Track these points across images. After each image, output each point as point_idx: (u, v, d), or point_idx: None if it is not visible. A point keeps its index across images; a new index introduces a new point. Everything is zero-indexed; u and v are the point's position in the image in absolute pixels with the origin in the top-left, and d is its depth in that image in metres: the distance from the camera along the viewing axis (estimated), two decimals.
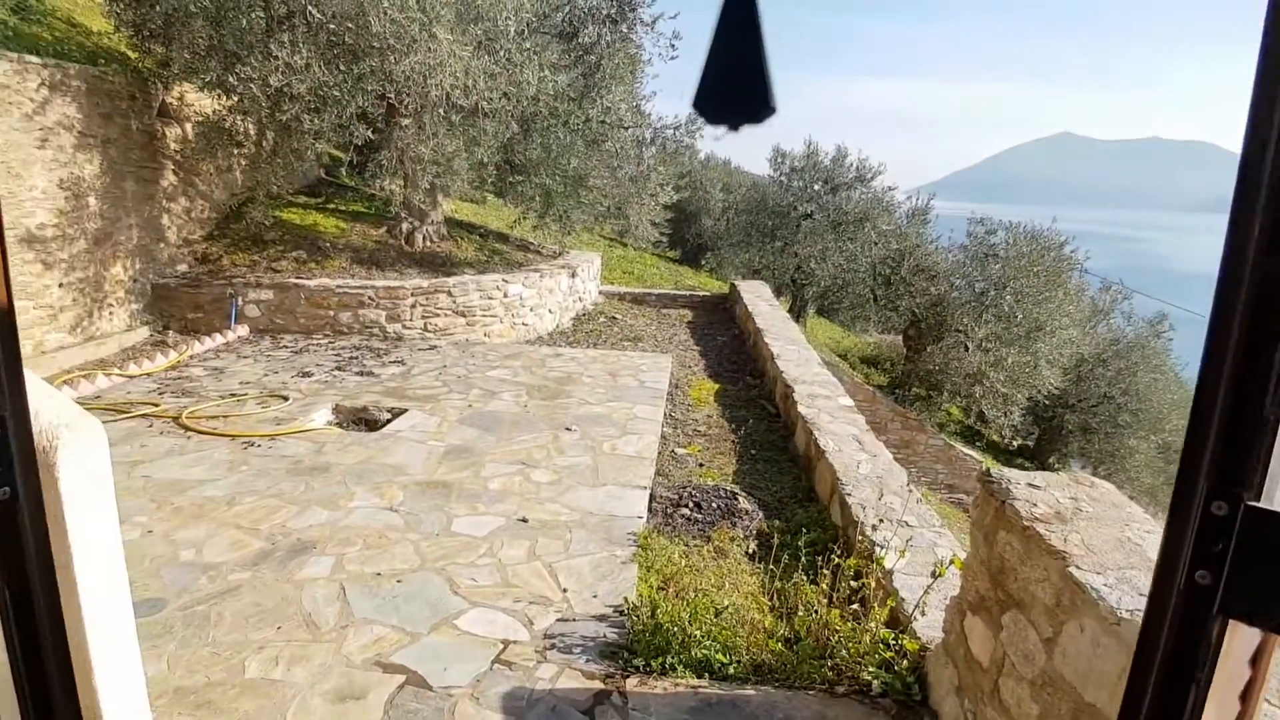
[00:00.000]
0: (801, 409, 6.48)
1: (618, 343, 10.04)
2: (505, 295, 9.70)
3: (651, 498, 5.04)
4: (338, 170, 13.55)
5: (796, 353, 8.58)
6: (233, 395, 6.53)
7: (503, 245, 12.07)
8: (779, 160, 20.51)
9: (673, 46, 10.65)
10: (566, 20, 9.85)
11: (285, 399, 6.46)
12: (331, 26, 8.00)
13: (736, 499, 5.17)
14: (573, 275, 11.20)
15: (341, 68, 7.66)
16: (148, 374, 7.19)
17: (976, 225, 18.18)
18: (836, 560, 3.74)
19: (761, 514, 5.10)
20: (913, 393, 18.01)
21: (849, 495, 4.78)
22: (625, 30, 10.24)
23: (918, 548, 4.15)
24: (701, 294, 13.80)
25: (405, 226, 10.62)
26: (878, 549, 4.19)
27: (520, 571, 3.90)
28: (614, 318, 11.46)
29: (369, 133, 8.19)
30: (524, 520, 4.45)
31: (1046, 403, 19.03)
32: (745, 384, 8.49)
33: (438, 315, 9.22)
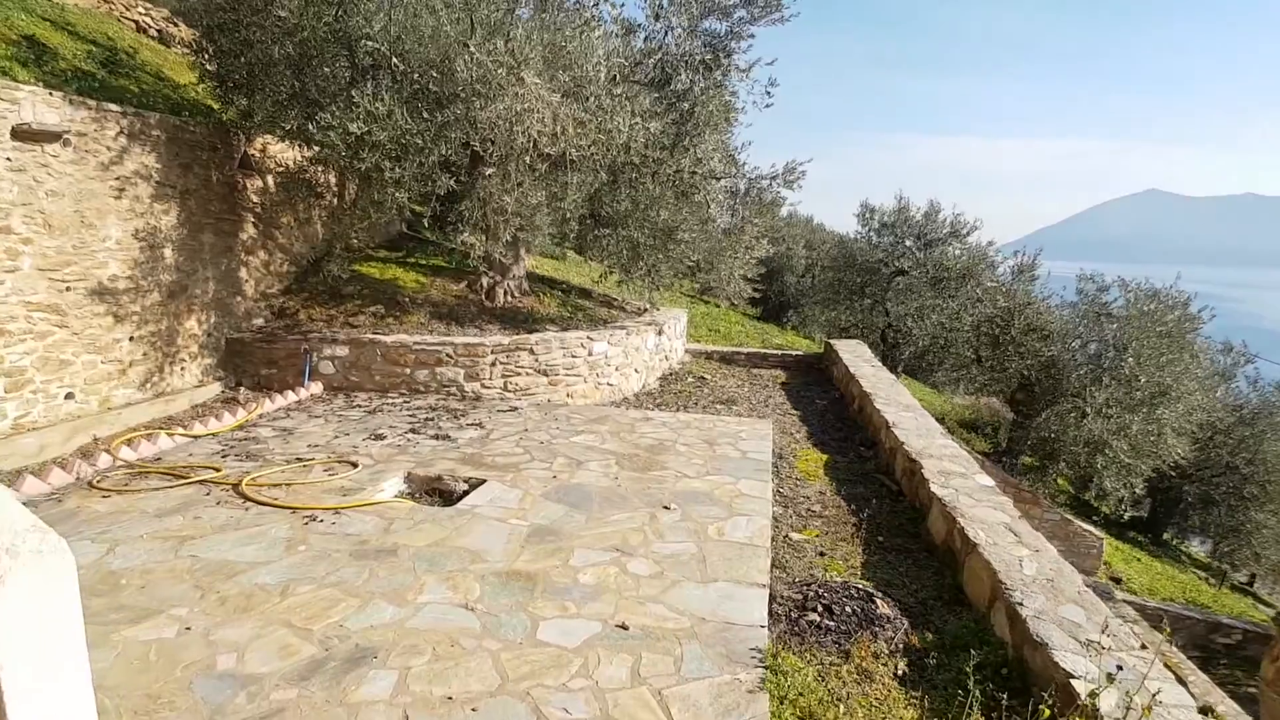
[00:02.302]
0: (935, 489, 5.53)
1: (709, 405, 9.25)
2: (590, 353, 9.07)
3: (772, 597, 4.17)
4: (419, 224, 13.40)
5: (914, 420, 7.62)
6: (299, 460, 5.99)
7: (586, 301, 11.53)
8: (867, 216, 19.70)
9: (768, 94, 10.06)
10: (658, 67, 9.39)
11: (354, 465, 5.88)
12: (415, 76, 7.72)
13: (873, 601, 4.25)
14: (659, 333, 10.53)
15: (425, 114, 7.31)
16: (213, 434, 6.76)
17: (1087, 282, 16.86)
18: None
19: (906, 621, 4.16)
20: (1022, 461, 16.52)
21: (1019, 604, 3.83)
22: (719, 77, 9.71)
23: (1125, 680, 3.20)
24: (794, 353, 12.93)
25: (486, 281, 10.19)
26: (1072, 679, 3.26)
27: (623, 701, 3.09)
28: (703, 378, 10.70)
29: (451, 182, 7.77)
30: (624, 627, 3.65)
31: (1164, 472, 17.22)
32: (857, 455, 7.55)
33: (518, 374, 8.64)
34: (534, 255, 18.51)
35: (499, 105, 6.82)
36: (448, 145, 7.50)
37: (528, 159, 7.30)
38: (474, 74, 6.89)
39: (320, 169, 8.16)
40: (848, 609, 4.13)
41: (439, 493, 5.71)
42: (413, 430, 6.96)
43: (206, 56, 8.34)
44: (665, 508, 5.23)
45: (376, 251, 11.38)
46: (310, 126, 7.08)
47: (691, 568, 4.30)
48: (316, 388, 8.31)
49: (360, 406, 7.82)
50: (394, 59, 7.67)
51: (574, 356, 8.98)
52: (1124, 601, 13.52)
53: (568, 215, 9.63)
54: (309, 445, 6.42)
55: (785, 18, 9.47)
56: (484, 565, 4.19)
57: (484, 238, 8.34)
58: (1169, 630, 3.64)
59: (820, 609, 4.11)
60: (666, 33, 9.11)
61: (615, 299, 12.46)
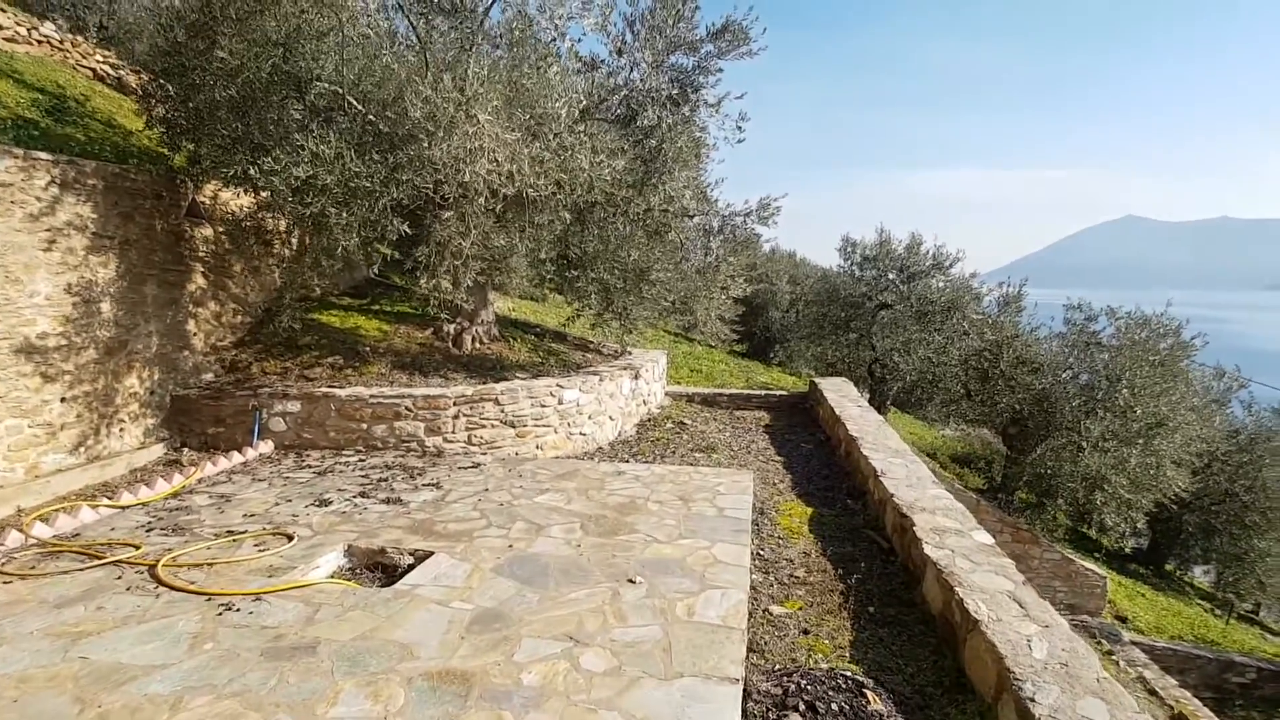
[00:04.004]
0: (929, 550, 5.03)
1: (688, 454, 8.74)
2: (560, 402, 8.57)
3: (746, 694, 3.64)
4: (388, 270, 12.98)
5: (904, 468, 7.13)
6: (229, 534, 5.44)
7: (560, 345, 11.07)
8: (849, 250, 19.44)
9: (739, 129, 9.73)
10: (624, 103, 9.06)
11: (290, 538, 5.33)
12: (370, 117, 7.34)
13: (863, 694, 3.72)
14: (636, 377, 10.05)
15: (376, 156, 6.89)
16: (143, 504, 6.20)
17: (1074, 311, 16.54)
18: None
19: (901, 718, 3.63)
20: (1019, 497, 16.01)
21: (1031, 699, 3.32)
22: (688, 113, 9.38)
23: None
24: (778, 393, 12.46)
25: (452, 328, 9.72)
26: None
27: None
28: (683, 423, 10.20)
29: (404, 227, 7.34)
30: None
31: (1164, 504, 16.77)
32: (844, 506, 7.04)
33: (483, 426, 8.13)
34: (512, 298, 18.12)
35: (449, 144, 6.41)
36: (400, 188, 7.08)
37: (482, 200, 6.87)
38: (422, 112, 6.49)
39: (270, 215, 7.72)
40: (834, 706, 3.60)
41: (381, 568, 5.17)
42: (362, 493, 6.42)
43: (153, 102, 7.98)
44: (630, 581, 4.70)
45: (340, 299, 10.92)
46: (253, 171, 6.65)
47: (654, 659, 3.76)
48: (266, 447, 7.77)
49: (310, 467, 7.28)
50: (349, 99, 7.30)
51: (543, 406, 8.48)
52: (1132, 643, 12.94)
53: (542, 257, 9.23)
54: (245, 515, 5.87)
55: (753, 52, 9.19)
56: (414, 664, 3.64)
57: (445, 283, 7.90)
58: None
59: (802, 707, 3.58)
60: (631, 68, 8.80)
61: (591, 342, 12.01)
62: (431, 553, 5.11)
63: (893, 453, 7.74)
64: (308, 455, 7.69)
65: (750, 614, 4.55)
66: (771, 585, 5.16)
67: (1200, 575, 22.42)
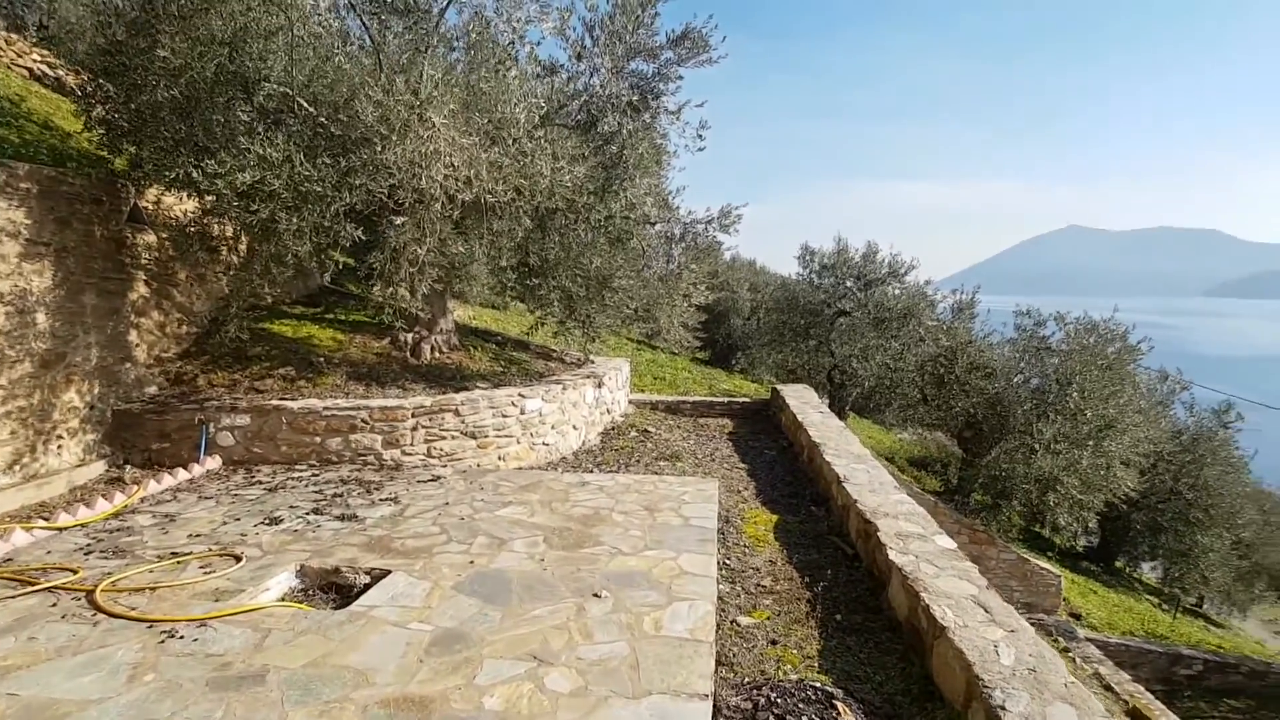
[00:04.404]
0: (893, 555, 5.02)
1: (652, 462, 8.65)
2: (522, 412, 8.42)
3: (716, 709, 3.56)
4: (343, 278, 12.69)
5: (866, 474, 7.15)
6: (173, 555, 5.18)
7: (522, 354, 10.91)
8: (808, 258, 19.64)
9: (700, 136, 9.70)
10: (584, 109, 8.96)
11: (238, 559, 5.10)
12: (322, 120, 7.13)
13: (833, 706, 3.67)
14: (599, 385, 9.95)
15: (327, 160, 6.69)
16: (81, 524, 5.89)
17: (1024, 317, 16.91)
18: None
19: None
20: (974, 500, 16.26)
21: (1001, 707, 3.30)
22: (648, 119, 9.32)
23: None
24: (741, 400, 12.46)
25: (410, 337, 9.51)
26: None
27: None
28: (647, 431, 10.11)
29: (359, 233, 7.14)
30: None
31: (1114, 501, 17.24)
32: (808, 513, 7.02)
33: (443, 438, 7.94)
34: (472, 306, 17.87)
35: (403, 148, 6.25)
36: (353, 193, 6.88)
37: (439, 206, 6.72)
38: (375, 115, 6.32)
39: (216, 221, 7.45)
40: (804, 718, 3.54)
41: (335, 588, 4.97)
42: (316, 510, 6.19)
43: (93, 103, 7.65)
44: (595, 596, 4.59)
45: (292, 307, 10.61)
46: (197, 174, 6.39)
47: (621, 676, 3.66)
48: (214, 463, 7.48)
49: (261, 483, 7.02)
50: (299, 101, 7.09)
51: (505, 416, 8.32)
52: (1087, 640, 13.23)
53: (503, 264, 9.08)
54: (190, 535, 5.61)
55: (713, 59, 9.18)
56: (369, 691, 3.48)
57: (402, 291, 7.71)
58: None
59: None
60: (591, 74, 8.72)
61: (554, 350, 11.87)
62: (389, 571, 4.93)
63: (855, 458, 7.76)
64: (258, 471, 7.42)
65: (718, 626, 4.48)
66: (738, 595, 5.09)
67: (1148, 571, 23.12)
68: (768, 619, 4.75)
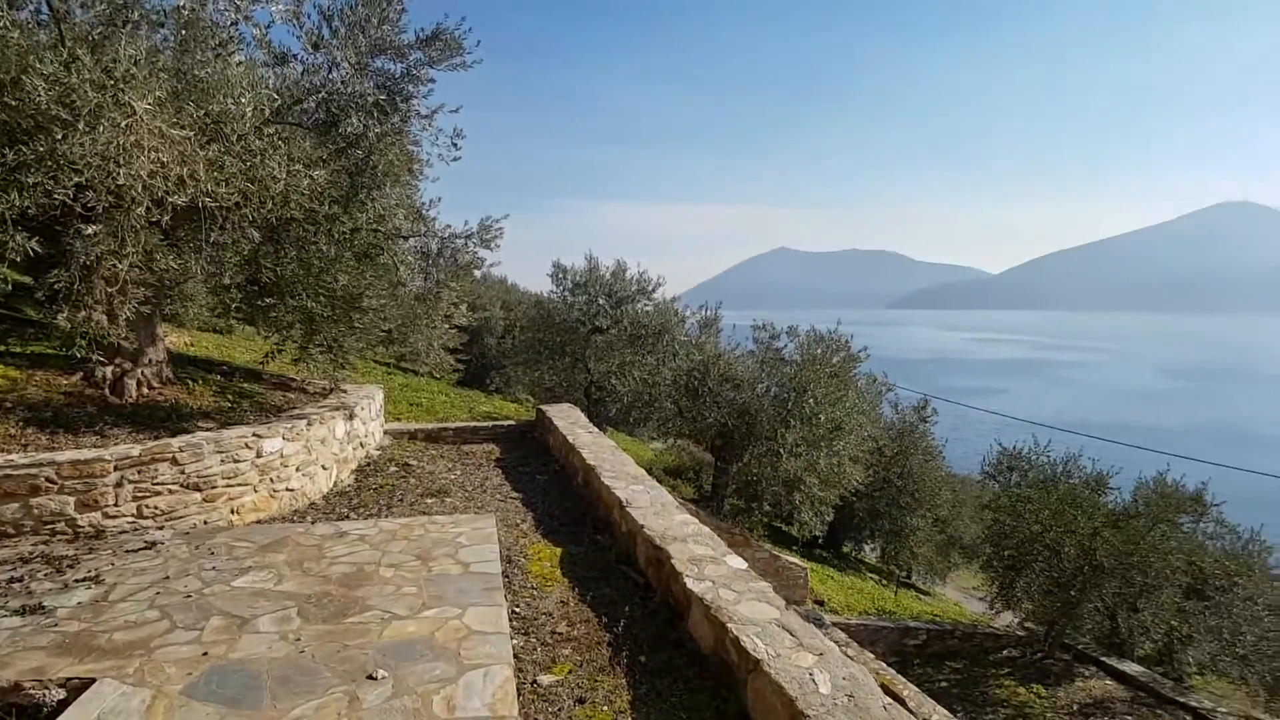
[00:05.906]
0: (690, 584, 4.85)
1: (418, 500, 7.82)
2: (259, 455, 7.19)
3: None
4: (16, 300, 10.26)
5: (647, 495, 7.00)
6: None
7: (255, 385, 9.45)
8: (561, 275, 19.65)
9: (455, 145, 9.07)
10: (323, 106, 7.95)
11: None
12: None
13: None
14: (350, 417, 8.87)
15: None
16: None
17: (760, 331, 18.21)
18: None
19: None
20: (728, 505, 17.12)
21: None
22: (398, 122, 8.51)
23: None
24: (506, 423, 11.91)
25: (109, 371, 7.78)
26: None
27: None
28: (408, 464, 9.20)
29: (33, 244, 5.63)
30: None
31: (844, 494, 19.13)
32: (593, 542, 6.70)
33: (158, 493, 6.50)
34: (189, 330, 15.44)
35: (94, 138, 4.99)
36: (24, 194, 5.39)
37: (143, 210, 5.47)
38: (52, 96, 4.99)
39: None
40: None
41: (16, 712, 3.72)
42: None
43: None
44: (370, 678, 3.85)
45: None
46: None
47: None
48: None
49: None
50: None
51: (237, 461, 7.05)
52: (834, 625, 14.38)
53: (227, 282, 7.75)
54: None
55: (467, 64, 8.62)
56: None
57: (98, 315, 6.20)
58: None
59: None
60: (331, 68, 7.75)
61: (294, 380, 10.48)
62: (93, 679, 3.78)
63: (633, 479, 7.61)
64: None
65: (519, 691, 3.96)
66: (535, 649, 4.60)
67: (869, 552, 26.06)
68: (570, 672, 4.32)
